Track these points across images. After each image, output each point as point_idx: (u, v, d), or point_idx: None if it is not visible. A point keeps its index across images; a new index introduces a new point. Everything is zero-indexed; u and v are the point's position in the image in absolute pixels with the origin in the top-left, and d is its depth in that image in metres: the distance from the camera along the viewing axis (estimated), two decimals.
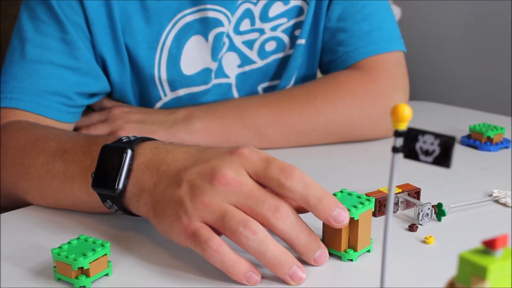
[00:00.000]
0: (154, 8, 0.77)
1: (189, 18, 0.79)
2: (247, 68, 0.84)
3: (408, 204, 0.62)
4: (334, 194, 0.54)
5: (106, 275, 0.51)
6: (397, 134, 0.35)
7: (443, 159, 0.34)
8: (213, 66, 0.81)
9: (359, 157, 0.78)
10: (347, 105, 0.79)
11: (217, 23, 0.79)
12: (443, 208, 0.60)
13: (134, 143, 0.56)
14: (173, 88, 0.81)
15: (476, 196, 0.66)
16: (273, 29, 0.83)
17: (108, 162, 0.55)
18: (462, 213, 0.62)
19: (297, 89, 0.82)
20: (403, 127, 0.35)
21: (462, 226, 0.60)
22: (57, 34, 0.75)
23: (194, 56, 0.80)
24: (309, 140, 0.80)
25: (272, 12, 0.83)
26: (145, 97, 0.82)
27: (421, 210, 0.59)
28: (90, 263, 0.49)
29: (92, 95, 0.79)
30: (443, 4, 1.24)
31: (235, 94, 0.85)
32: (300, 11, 0.84)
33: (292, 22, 0.84)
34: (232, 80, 0.84)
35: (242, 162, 0.50)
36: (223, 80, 0.83)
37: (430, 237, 0.56)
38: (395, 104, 0.35)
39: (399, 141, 0.35)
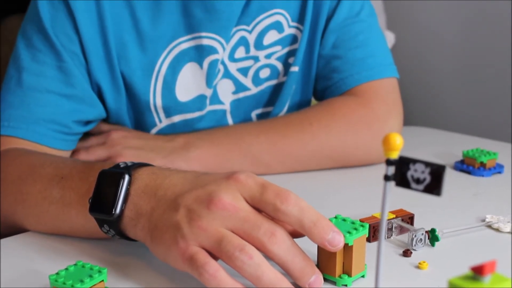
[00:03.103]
0: (149, 36, 0.79)
1: (184, 46, 0.80)
2: (241, 95, 0.85)
3: (402, 230, 0.63)
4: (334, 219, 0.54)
5: None
6: (388, 162, 0.36)
7: (434, 187, 0.35)
8: (208, 92, 0.82)
9: (353, 182, 0.79)
10: (341, 131, 0.80)
11: (212, 50, 0.80)
12: (436, 233, 0.61)
13: (131, 168, 0.56)
14: (168, 114, 0.82)
15: (469, 221, 0.67)
16: (268, 56, 0.85)
17: (106, 187, 0.56)
18: (455, 238, 0.63)
19: (293, 116, 0.83)
20: (394, 155, 0.36)
21: (455, 252, 0.61)
22: (53, 63, 0.76)
23: (189, 83, 0.81)
24: (305, 165, 0.81)
25: (267, 40, 0.84)
26: (140, 123, 0.83)
27: (415, 236, 0.60)
28: None
29: (88, 122, 0.80)
30: (436, 30, 1.26)
31: (230, 120, 0.86)
32: (294, 39, 0.85)
33: (286, 50, 0.85)
34: (226, 106, 0.85)
35: (238, 187, 0.51)
36: (218, 107, 0.84)
37: (424, 262, 0.57)
38: (389, 130, 0.36)
39: (391, 170, 0.36)
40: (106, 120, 0.84)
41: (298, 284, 0.52)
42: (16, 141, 0.74)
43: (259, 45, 0.84)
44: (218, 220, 0.50)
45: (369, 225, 0.61)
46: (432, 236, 0.61)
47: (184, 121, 0.82)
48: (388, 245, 0.61)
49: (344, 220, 0.54)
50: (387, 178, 0.36)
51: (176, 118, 0.82)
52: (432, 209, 0.69)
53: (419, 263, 0.57)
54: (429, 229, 0.62)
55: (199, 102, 0.82)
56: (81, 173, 0.61)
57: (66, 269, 0.51)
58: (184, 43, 0.80)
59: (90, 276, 0.51)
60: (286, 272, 0.51)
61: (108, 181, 0.56)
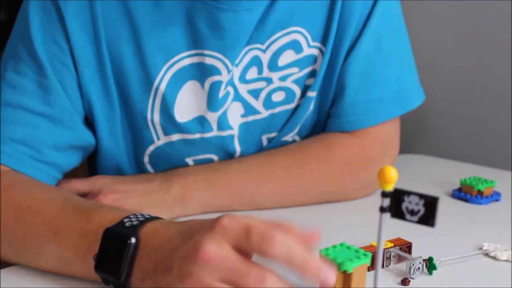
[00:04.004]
0: (148, 49, 0.73)
1: (186, 62, 0.75)
2: (250, 118, 0.80)
3: (400, 258, 0.64)
4: (334, 247, 0.55)
5: None
6: (384, 194, 0.37)
7: (428, 218, 0.36)
8: (210, 116, 0.77)
9: (351, 211, 0.80)
10: (340, 176, 0.80)
11: (214, 71, 0.75)
12: (433, 262, 0.62)
13: (138, 228, 0.55)
14: (166, 133, 0.77)
15: (466, 249, 0.67)
16: (282, 79, 0.79)
17: (111, 248, 0.55)
18: (453, 266, 0.64)
19: (293, 157, 0.80)
20: (389, 188, 0.37)
21: (453, 280, 0.61)
22: (33, 76, 0.70)
23: (189, 103, 0.76)
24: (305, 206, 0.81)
25: (282, 61, 0.78)
26: (137, 140, 0.78)
27: (413, 264, 0.61)
28: None
29: (67, 148, 0.74)
30: (432, 54, 1.28)
31: (237, 147, 0.81)
32: (314, 60, 0.80)
33: (304, 72, 0.80)
34: (235, 132, 0.79)
35: (222, 235, 0.50)
36: (225, 133, 0.79)
37: None
38: (381, 167, 0.37)
39: (386, 202, 0.37)
40: (96, 143, 0.78)
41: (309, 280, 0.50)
42: None
43: (273, 66, 0.78)
44: (206, 273, 0.49)
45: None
46: (430, 265, 0.62)
47: (183, 140, 0.78)
48: (387, 273, 0.62)
49: (348, 248, 0.55)
50: (382, 210, 0.37)
51: (175, 137, 0.77)
52: (430, 237, 0.70)
53: None
54: (427, 257, 0.62)
55: (198, 123, 0.77)
56: (77, 227, 0.59)
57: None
58: (186, 59, 0.75)
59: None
60: None
61: (114, 242, 0.55)
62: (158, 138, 0.77)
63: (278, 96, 0.80)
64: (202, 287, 0.49)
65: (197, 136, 0.77)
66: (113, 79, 0.73)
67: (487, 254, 0.66)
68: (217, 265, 0.49)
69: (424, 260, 0.62)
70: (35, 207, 0.63)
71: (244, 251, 0.50)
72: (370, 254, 0.54)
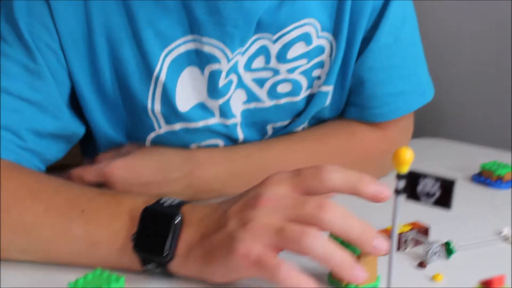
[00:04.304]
0: (145, 35, 0.69)
1: (183, 49, 0.71)
2: (252, 105, 0.77)
3: (417, 242, 0.63)
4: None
5: None
6: (399, 177, 0.37)
7: (444, 201, 0.36)
8: (211, 103, 0.74)
9: None
10: (362, 167, 0.78)
11: (212, 59, 0.71)
12: (451, 246, 0.61)
13: (179, 207, 0.55)
14: (168, 122, 0.74)
15: (485, 234, 0.66)
16: (290, 71, 0.76)
17: (154, 226, 0.54)
18: (470, 251, 0.63)
19: (315, 148, 0.79)
20: (404, 170, 0.37)
21: (470, 264, 0.61)
22: (20, 59, 0.67)
23: (189, 91, 0.73)
24: None
25: (292, 53, 0.75)
26: (137, 128, 0.75)
27: (430, 249, 0.60)
28: None
29: (51, 137, 0.70)
30: (451, 35, 1.26)
31: (240, 133, 0.78)
32: (321, 51, 0.76)
33: (312, 63, 0.77)
34: (238, 119, 0.77)
35: (277, 182, 0.53)
36: (230, 121, 0.76)
37: (439, 274, 0.57)
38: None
39: (401, 184, 0.37)
40: (87, 130, 0.75)
41: (362, 249, 0.51)
42: None
43: (282, 57, 0.75)
44: (268, 215, 0.50)
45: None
46: (447, 249, 0.61)
47: (186, 129, 0.75)
48: (404, 257, 0.62)
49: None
50: (397, 192, 0.37)
51: (177, 126, 0.74)
52: (448, 221, 0.69)
53: (434, 276, 0.57)
54: (445, 241, 0.62)
55: (201, 110, 0.74)
56: (107, 207, 0.57)
57: (85, 277, 0.52)
58: (182, 46, 0.71)
59: (108, 283, 0.52)
60: (347, 239, 0.51)
61: (155, 221, 0.54)
62: (160, 127, 0.75)
63: (284, 88, 0.77)
64: (266, 229, 0.50)
65: (200, 124, 0.75)
66: (111, 68, 0.71)
67: (506, 239, 0.65)
68: (276, 205, 0.51)
69: (441, 244, 0.61)
70: (52, 187, 0.60)
71: (301, 191, 0.52)
72: None
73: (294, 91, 0.77)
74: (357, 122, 0.81)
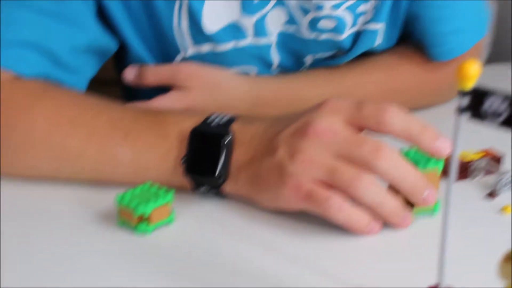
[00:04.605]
0: None
1: None
2: (292, 28, 0.69)
3: (488, 171, 0.59)
4: (407, 153, 0.52)
5: (167, 223, 0.52)
6: (462, 93, 0.33)
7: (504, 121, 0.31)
8: (246, 21, 0.67)
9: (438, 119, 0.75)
10: (429, 98, 0.76)
11: None
12: None
13: (228, 125, 0.53)
14: (195, 42, 0.67)
15: None
16: (336, 6, 0.68)
17: (203, 148, 0.53)
18: None
19: (383, 89, 0.73)
20: (469, 86, 0.32)
21: None
22: None
23: (219, 8, 0.65)
24: None
25: None
26: (164, 48, 0.68)
27: (501, 179, 0.56)
28: (152, 210, 0.50)
29: (85, 51, 0.64)
30: None
31: (275, 56, 0.70)
32: None
33: None
34: (272, 39, 0.69)
35: (334, 111, 0.50)
36: (263, 40, 0.68)
37: (508, 206, 0.53)
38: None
39: (464, 101, 0.33)
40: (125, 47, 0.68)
41: (411, 200, 0.50)
42: None
43: None
44: (320, 149, 0.48)
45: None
46: None
47: (214, 54, 0.68)
48: (472, 186, 0.57)
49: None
50: (460, 110, 0.33)
51: (205, 48, 0.67)
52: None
53: (503, 207, 0.53)
54: None
55: (231, 32, 0.67)
56: (154, 129, 0.55)
57: (134, 189, 0.52)
58: None
59: (156, 197, 0.51)
60: (398, 188, 0.49)
61: (205, 142, 0.53)
62: (186, 49, 0.67)
63: (326, 23, 0.68)
64: (316, 165, 0.48)
65: (230, 46, 0.67)
66: None
67: None
68: (329, 140, 0.48)
69: None
70: (92, 109, 0.57)
71: (357, 126, 0.49)
72: (442, 161, 0.50)
73: (338, 28, 0.69)
74: (421, 58, 0.74)
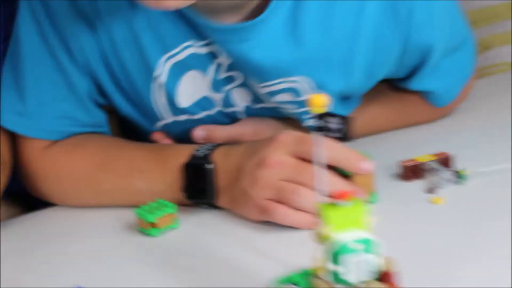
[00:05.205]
0: (145, 42, 0.74)
1: (185, 54, 0.75)
2: (258, 105, 0.79)
3: (435, 171, 0.70)
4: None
5: (173, 228, 0.68)
6: (317, 116, 0.46)
7: (343, 134, 0.45)
8: (215, 96, 0.78)
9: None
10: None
11: (213, 56, 0.75)
12: (462, 173, 0.67)
13: (208, 157, 0.69)
14: (173, 113, 0.79)
15: None
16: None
17: (195, 177, 0.69)
18: (489, 178, 0.68)
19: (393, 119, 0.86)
20: (321, 112, 0.46)
21: (484, 191, 0.66)
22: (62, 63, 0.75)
23: (190, 90, 0.77)
24: None
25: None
26: (147, 116, 0.80)
27: (441, 175, 0.67)
28: (156, 218, 0.66)
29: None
30: None
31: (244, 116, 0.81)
32: None
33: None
34: (240, 109, 0.79)
35: (281, 146, 0.65)
36: (232, 109, 0.79)
37: (439, 198, 0.64)
38: None
39: (318, 123, 0.46)
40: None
41: (351, 170, 0.63)
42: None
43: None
44: (272, 176, 0.64)
45: (404, 166, 0.70)
46: (459, 176, 0.67)
47: (190, 120, 0.80)
48: (420, 185, 0.69)
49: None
50: (316, 129, 0.46)
51: (182, 117, 0.80)
52: (481, 150, 0.74)
53: (433, 198, 0.65)
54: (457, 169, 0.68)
55: (203, 105, 0.78)
56: (159, 165, 0.71)
57: (149, 205, 0.68)
58: (185, 51, 0.75)
59: (163, 208, 0.67)
60: (338, 164, 0.62)
61: (195, 172, 0.69)
62: (166, 117, 0.80)
63: (283, 97, 0.77)
64: (268, 187, 0.63)
65: (203, 114, 0.79)
66: (114, 62, 0.76)
67: None
68: (279, 169, 0.63)
69: (453, 171, 0.68)
70: (113, 155, 0.75)
71: (301, 158, 0.64)
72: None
73: (297, 94, 0.76)
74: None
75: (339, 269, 0.41)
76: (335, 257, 0.42)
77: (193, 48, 0.74)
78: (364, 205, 0.42)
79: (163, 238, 0.67)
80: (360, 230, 0.42)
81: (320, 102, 0.45)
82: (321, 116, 0.46)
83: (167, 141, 0.81)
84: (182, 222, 0.69)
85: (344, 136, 0.45)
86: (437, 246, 0.58)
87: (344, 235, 0.42)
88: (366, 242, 0.42)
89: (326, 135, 0.46)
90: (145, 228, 0.67)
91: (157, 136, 0.81)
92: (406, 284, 0.48)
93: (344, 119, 0.45)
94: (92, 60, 0.75)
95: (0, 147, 0.73)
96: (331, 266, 0.42)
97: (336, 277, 0.42)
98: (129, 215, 0.70)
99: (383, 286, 0.42)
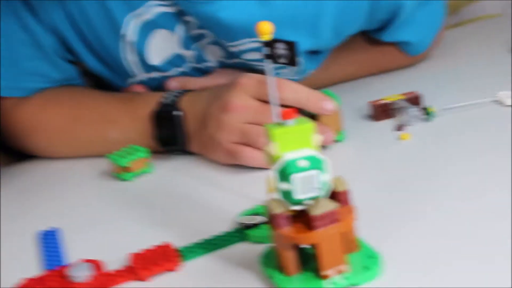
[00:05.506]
0: (111, 1, 0.74)
1: (157, 10, 0.75)
2: (231, 61, 0.80)
3: (404, 110, 0.70)
4: None
5: (146, 172, 0.69)
6: (263, 44, 0.46)
7: (291, 60, 0.45)
8: (186, 53, 0.79)
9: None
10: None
11: (181, 14, 0.75)
12: (429, 110, 0.68)
13: (176, 104, 0.69)
14: (145, 70, 0.80)
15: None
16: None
17: (165, 125, 0.70)
18: (457, 114, 0.69)
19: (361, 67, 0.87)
20: (266, 39, 0.46)
21: (452, 127, 0.67)
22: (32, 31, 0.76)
23: (160, 47, 0.78)
24: None
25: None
26: (120, 72, 0.81)
27: (409, 112, 0.68)
28: (129, 162, 0.68)
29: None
30: None
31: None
32: None
33: None
34: (212, 64, 0.81)
35: (243, 89, 0.65)
36: (203, 65, 0.81)
37: (406, 134, 0.65)
38: None
39: (266, 50, 0.47)
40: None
41: (314, 110, 0.63)
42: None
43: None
44: (236, 119, 0.64)
45: (374, 105, 0.71)
46: (427, 113, 0.68)
47: (163, 77, 0.81)
48: (390, 124, 0.70)
49: None
50: (265, 57, 0.47)
51: (153, 74, 0.81)
52: (450, 88, 0.75)
53: (401, 135, 0.66)
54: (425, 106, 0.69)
55: (174, 62, 0.79)
56: (130, 113, 0.73)
57: (121, 150, 0.70)
58: (157, 7, 0.75)
59: (135, 152, 0.69)
60: (301, 106, 0.63)
61: (164, 119, 0.70)
62: (136, 74, 0.80)
63: (254, 55, 0.78)
64: (234, 131, 0.64)
65: (175, 71, 0.80)
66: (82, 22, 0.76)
67: (495, 102, 0.70)
68: (243, 112, 0.64)
69: (421, 108, 0.68)
70: (85, 106, 0.77)
71: (262, 100, 0.64)
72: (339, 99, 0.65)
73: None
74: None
75: (286, 186, 0.42)
76: (282, 175, 0.42)
77: (160, 7, 0.75)
78: (310, 124, 0.43)
79: (137, 181, 0.68)
80: (307, 148, 0.43)
81: (266, 29, 0.46)
82: (268, 44, 0.46)
83: (141, 89, 0.81)
84: (156, 167, 0.70)
85: (291, 61, 0.45)
86: (402, 179, 0.59)
87: (290, 154, 0.42)
88: (312, 159, 0.42)
89: (274, 62, 0.46)
90: (119, 172, 0.68)
91: (137, 88, 0.81)
92: (373, 217, 0.50)
93: (290, 44, 0.45)
94: (58, 21, 0.76)
95: None
96: (279, 185, 0.43)
97: (286, 195, 0.43)
98: (104, 163, 0.72)
99: (332, 203, 0.43)
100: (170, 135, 0.70)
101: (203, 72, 0.81)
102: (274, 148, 0.43)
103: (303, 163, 0.42)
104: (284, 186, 0.43)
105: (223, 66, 0.81)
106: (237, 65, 0.80)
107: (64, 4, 0.75)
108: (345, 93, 0.74)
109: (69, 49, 0.79)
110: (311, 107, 0.63)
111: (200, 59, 0.80)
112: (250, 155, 0.64)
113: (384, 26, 0.82)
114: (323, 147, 0.64)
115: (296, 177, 0.42)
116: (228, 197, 0.61)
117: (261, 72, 0.75)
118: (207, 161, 0.69)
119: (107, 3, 0.74)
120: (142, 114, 0.72)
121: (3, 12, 0.76)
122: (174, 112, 0.69)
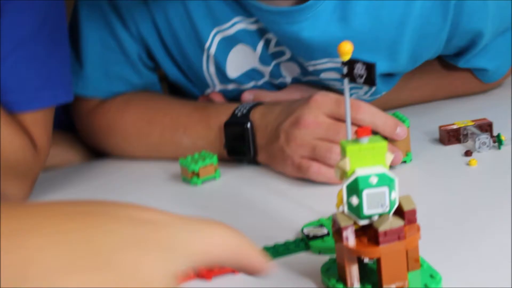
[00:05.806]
0: (196, 15, 0.78)
1: (234, 29, 0.78)
2: (306, 78, 0.82)
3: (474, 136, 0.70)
4: None
5: (214, 178, 0.72)
6: (342, 63, 0.48)
7: (369, 80, 0.47)
8: (263, 68, 0.81)
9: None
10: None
11: (262, 31, 0.77)
12: (501, 138, 0.68)
13: (248, 116, 0.72)
14: (222, 82, 0.83)
15: None
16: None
17: (235, 135, 0.72)
18: None
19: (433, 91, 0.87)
20: (346, 59, 0.48)
21: None
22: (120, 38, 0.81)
23: (239, 62, 0.80)
24: None
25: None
26: (197, 82, 0.85)
27: (479, 139, 0.68)
28: (199, 168, 0.70)
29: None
30: None
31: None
32: None
33: None
34: (287, 80, 0.82)
35: (317, 106, 0.66)
36: (277, 81, 0.83)
37: (474, 160, 0.66)
38: None
39: (344, 70, 0.48)
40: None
41: (388, 136, 0.64)
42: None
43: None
44: (308, 135, 0.66)
45: (444, 130, 0.71)
46: (498, 140, 0.68)
47: (238, 90, 0.83)
48: (460, 148, 0.70)
49: None
50: (343, 76, 0.48)
51: (230, 86, 0.84)
52: None
53: (470, 160, 0.66)
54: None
55: (251, 75, 0.82)
56: (202, 122, 0.76)
57: (192, 155, 0.72)
58: (234, 26, 0.77)
59: (204, 159, 0.71)
60: (376, 129, 0.63)
61: (235, 130, 0.72)
62: (215, 85, 0.84)
63: (329, 74, 0.79)
64: (304, 146, 0.66)
65: (250, 85, 0.83)
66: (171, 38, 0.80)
67: None
68: (314, 128, 0.66)
69: (492, 136, 0.68)
70: (160, 111, 0.80)
71: (336, 118, 0.66)
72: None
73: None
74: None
75: (356, 201, 0.44)
76: (354, 190, 0.44)
77: (243, 23, 0.77)
78: (384, 143, 0.44)
79: (205, 186, 0.71)
80: (378, 165, 0.44)
81: (347, 49, 0.47)
82: (348, 63, 0.48)
83: (219, 98, 0.84)
84: (223, 174, 0.72)
85: (370, 81, 0.47)
86: (466, 204, 0.59)
87: (363, 170, 0.44)
88: (383, 176, 0.43)
89: (353, 81, 0.48)
90: (188, 177, 0.71)
91: (216, 96, 0.84)
92: (435, 237, 0.51)
93: (369, 65, 0.46)
94: (144, 30, 0.80)
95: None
96: (349, 199, 0.44)
97: (354, 209, 0.44)
98: (174, 167, 0.75)
99: (399, 221, 0.44)
100: (240, 146, 0.72)
101: (276, 86, 0.84)
102: (347, 163, 0.44)
103: (375, 180, 0.43)
104: (355, 201, 0.44)
105: (296, 82, 0.83)
106: (310, 81, 0.82)
107: (152, 15, 0.79)
108: (414, 115, 0.74)
109: (151, 57, 0.83)
110: (387, 133, 0.64)
111: (276, 74, 0.82)
112: (318, 171, 0.65)
113: (461, 52, 0.82)
114: (390, 166, 0.65)
115: (367, 193, 0.43)
116: (293, 208, 0.63)
117: (334, 90, 0.79)
118: (274, 172, 0.71)
119: (194, 17, 0.78)
120: (214, 123, 0.75)
121: (96, 19, 0.81)
122: (246, 125, 0.71)
